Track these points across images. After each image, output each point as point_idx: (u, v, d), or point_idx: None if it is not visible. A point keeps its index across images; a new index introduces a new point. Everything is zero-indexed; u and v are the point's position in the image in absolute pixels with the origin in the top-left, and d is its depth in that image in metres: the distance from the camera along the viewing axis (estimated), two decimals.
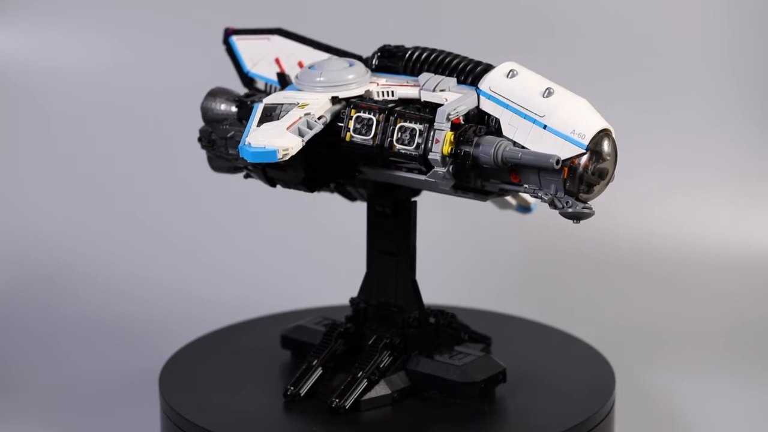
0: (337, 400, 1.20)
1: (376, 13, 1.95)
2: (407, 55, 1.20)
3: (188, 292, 1.76)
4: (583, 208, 1.08)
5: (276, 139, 1.11)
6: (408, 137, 1.13)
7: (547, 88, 1.10)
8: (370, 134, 1.15)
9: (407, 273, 1.27)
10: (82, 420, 1.44)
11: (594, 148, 1.08)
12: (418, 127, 1.12)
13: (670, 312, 1.74)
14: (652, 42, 1.97)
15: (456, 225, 1.83)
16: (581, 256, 1.81)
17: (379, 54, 1.22)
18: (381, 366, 1.23)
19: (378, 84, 1.19)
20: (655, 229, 1.89)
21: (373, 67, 1.22)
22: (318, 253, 1.85)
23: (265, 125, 1.14)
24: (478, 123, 1.12)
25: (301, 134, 1.13)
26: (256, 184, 1.89)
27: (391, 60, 1.21)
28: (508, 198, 1.37)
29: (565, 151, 1.07)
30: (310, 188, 1.23)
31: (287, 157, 1.10)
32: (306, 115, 1.15)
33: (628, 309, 1.75)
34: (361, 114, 1.16)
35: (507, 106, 1.11)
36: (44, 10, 1.94)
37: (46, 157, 1.89)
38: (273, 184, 1.26)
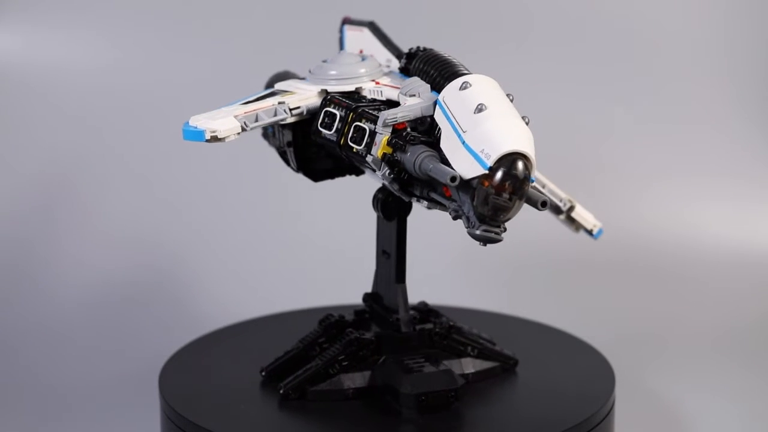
0: (284, 385, 1.22)
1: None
2: (415, 58, 1.19)
3: (188, 292, 1.76)
4: (485, 230, 1.03)
5: (213, 121, 1.13)
6: (359, 137, 1.13)
7: (479, 104, 1.06)
8: (333, 129, 1.15)
9: (394, 275, 1.27)
10: (82, 420, 1.44)
11: (504, 170, 1.02)
12: (369, 128, 1.12)
13: (671, 312, 1.74)
14: (653, 45, 1.97)
15: (458, 225, 1.83)
16: (581, 257, 1.81)
17: (405, 55, 1.22)
18: (343, 361, 1.23)
19: (377, 83, 1.19)
20: (655, 229, 1.89)
21: (399, 68, 1.22)
22: (319, 254, 1.85)
23: (224, 108, 1.16)
24: (428, 132, 1.10)
25: (257, 120, 1.15)
26: (256, 183, 1.90)
27: (411, 62, 1.21)
28: (563, 218, 1.33)
29: (473, 169, 1.03)
30: (312, 178, 1.27)
31: (217, 140, 1.12)
32: (279, 104, 1.17)
33: (628, 309, 1.75)
34: (330, 109, 1.16)
35: (448, 118, 1.08)
36: (44, 10, 1.94)
37: (46, 156, 1.89)
38: (297, 170, 1.28)
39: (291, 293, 1.74)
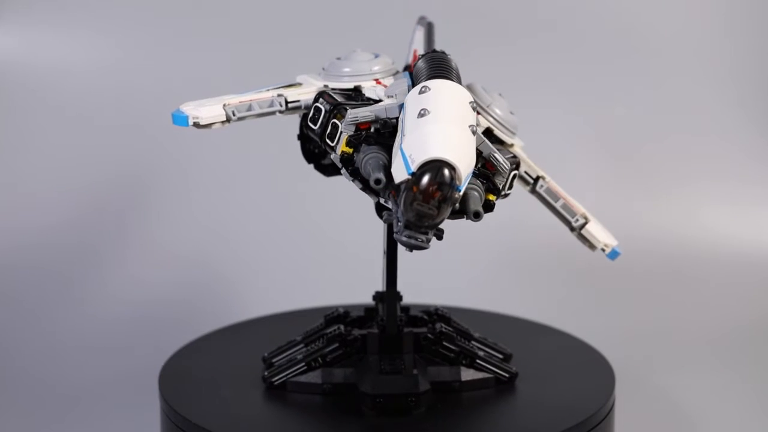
0: (267, 374, 1.25)
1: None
2: (421, 59, 1.19)
3: (188, 292, 1.76)
4: (409, 236, 1.01)
5: (199, 108, 1.16)
6: (333, 133, 1.13)
7: (422, 109, 1.05)
8: (317, 124, 1.16)
9: (385, 276, 1.27)
10: (82, 420, 1.44)
11: (427, 176, 1.00)
12: (341, 125, 1.13)
13: (671, 312, 1.74)
14: (653, 44, 1.97)
15: (459, 224, 1.83)
16: (582, 257, 1.80)
17: (419, 57, 1.22)
18: (327, 355, 1.24)
19: (377, 83, 1.20)
20: (654, 229, 1.89)
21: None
22: (319, 254, 1.85)
23: (226, 96, 1.19)
24: (393, 133, 1.11)
25: (249, 110, 1.17)
26: (256, 182, 1.90)
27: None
28: (576, 236, 1.30)
29: (402, 174, 1.02)
30: (322, 172, 1.29)
31: (199, 127, 1.16)
32: (278, 96, 1.19)
33: (628, 309, 1.75)
34: (318, 104, 1.17)
35: (402, 121, 1.08)
36: (44, 9, 1.94)
37: (45, 155, 1.89)
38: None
39: (291, 294, 1.74)
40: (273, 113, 1.19)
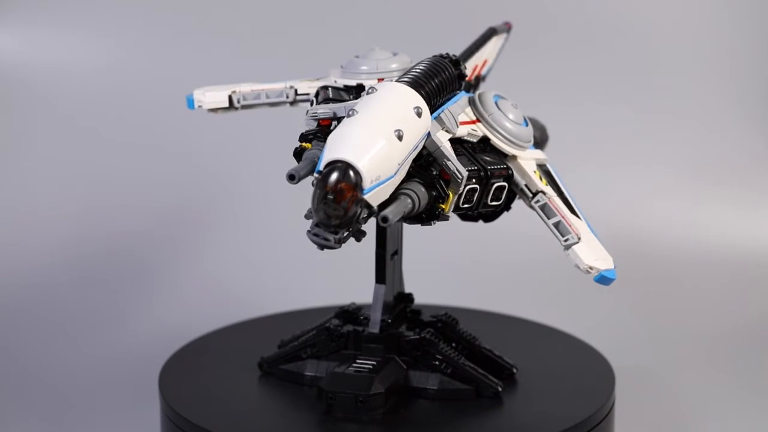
0: (262, 358, 1.28)
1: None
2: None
3: (188, 292, 1.76)
4: (315, 234, 1.03)
5: (207, 93, 1.23)
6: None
7: (351, 109, 1.06)
8: None
9: (376, 273, 1.27)
10: (82, 420, 1.44)
11: (332, 176, 1.01)
12: None
13: (670, 312, 1.74)
14: (653, 44, 1.97)
15: (459, 224, 1.83)
16: None
17: None
18: (314, 347, 1.25)
19: (380, 81, 1.20)
20: (654, 229, 1.89)
21: None
22: (320, 253, 1.85)
23: (244, 83, 1.24)
24: None
25: (258, 98, 1.23)
26: (253, 182, 1.89)
27: None
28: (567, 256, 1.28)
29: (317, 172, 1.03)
30: None
31: (203, 109, 1.23)
32: (290, 87, 1.22)
33: (628, 309, 1.75)
34: (314, 99, 1.19)
35: None
36: (44, 9, 1.94)
37: (46, 155, 1.89)
38: None
39: (291, 293, 1.74)
40: (283, 104, 1.22)
